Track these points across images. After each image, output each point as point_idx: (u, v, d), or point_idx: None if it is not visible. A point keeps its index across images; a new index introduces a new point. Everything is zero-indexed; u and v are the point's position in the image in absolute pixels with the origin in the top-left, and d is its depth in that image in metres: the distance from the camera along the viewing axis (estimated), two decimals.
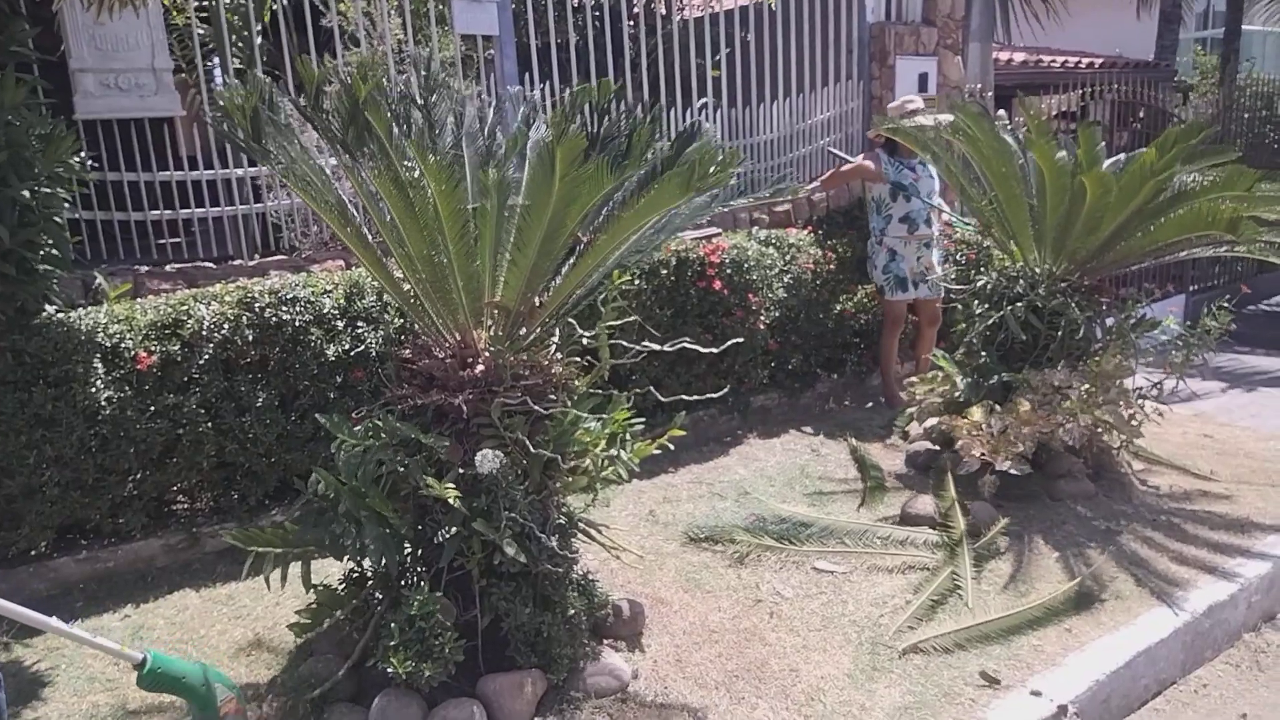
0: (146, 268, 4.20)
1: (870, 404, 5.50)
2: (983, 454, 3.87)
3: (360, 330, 3.77)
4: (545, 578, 2.68)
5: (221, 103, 2.37)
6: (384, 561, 2.56)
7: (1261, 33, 12.30)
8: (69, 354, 3.28)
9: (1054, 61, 9.64)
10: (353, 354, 3.73)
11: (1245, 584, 3.39)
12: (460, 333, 2.69)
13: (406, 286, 2.71)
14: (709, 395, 3.78)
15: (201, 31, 4.70)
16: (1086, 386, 3.98)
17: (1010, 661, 2.89)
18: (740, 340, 4.26)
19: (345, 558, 2.68)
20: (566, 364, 2.79)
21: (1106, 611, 3.18)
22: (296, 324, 3.63)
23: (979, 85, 6.98)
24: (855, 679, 2.79)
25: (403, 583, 2.69)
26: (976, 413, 4.03)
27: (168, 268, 4.24)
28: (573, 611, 2.70)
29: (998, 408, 4.01)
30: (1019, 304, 4.12)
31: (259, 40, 4.65)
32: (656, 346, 3.03)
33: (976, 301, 4.38)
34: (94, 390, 3.29)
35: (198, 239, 4.58)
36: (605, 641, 2.90)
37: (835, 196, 5.95)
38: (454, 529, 2.51)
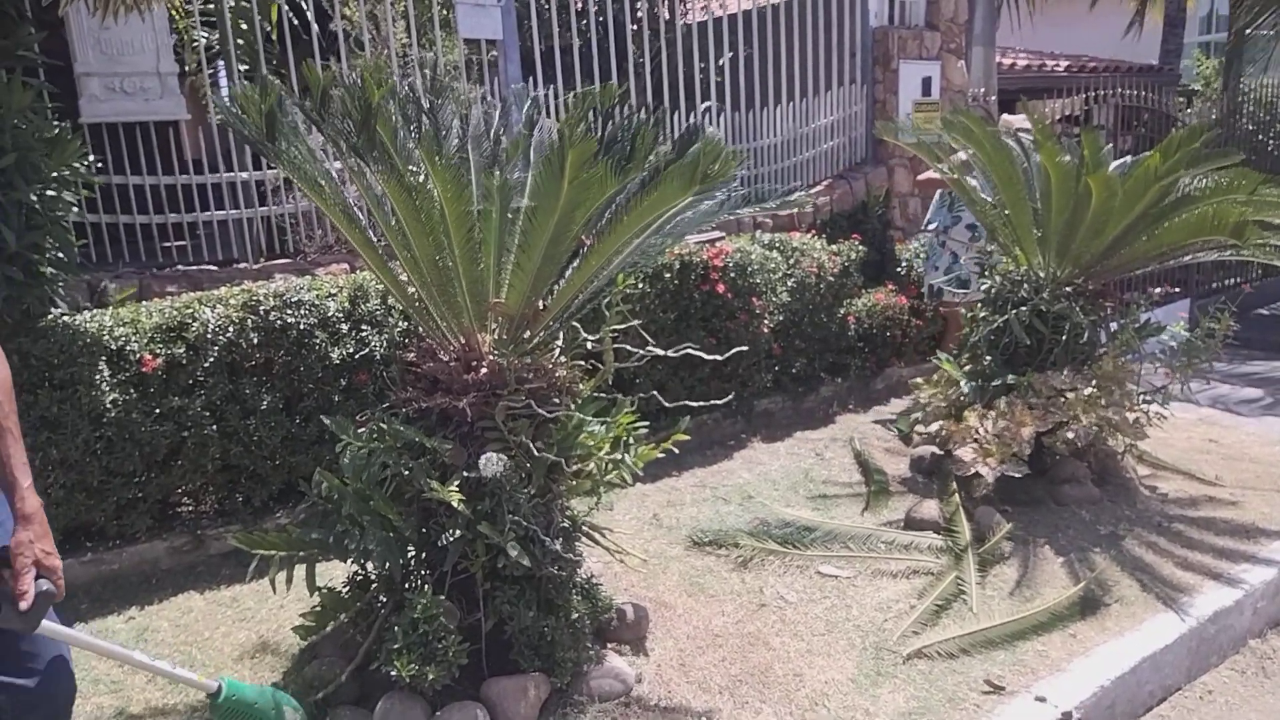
0: (152, 271, 4.21)
1: (874, 408, 5.50)
2: (975, 457, 3.87)
3: (365, 333, 3.77)
4: (549, 581, 2.68)
5: (236, 104, 2.38)
6: (387, 564, 2.56)
7: (1265, 36, 12.28)
8: (74, 357, 3.28)
9: (1057, 66, 9.64)
10: (357, 357, 3.73)
11: (1251, 590, 3.38)
12: (465, 336, 2.69)
13: (411, 290, 2.71)
14: (713, 402, 3.79)
15: (207, 36, 4.72)
16: (1090, 390, 3.97)
17: (1015, 667, 2.88)
18: (744, 348, 4.26)
19: (349, 560, 2.68)
20: (571, 367, 2.79)
21: (1111, 617, 3.17)
22: (301, 327, 3.63)
23: (982, 89, 6.98)
24: (859, 684, 2.78)
25: (406, 586, 2.69)
26: (971, 417, 4.03)
27: (173, 270, 4.25)
28: (576, 615, 2.70)
29: (991, 411, 4.00)
30: (1023, 308, 4.11)
31: (263, 44, 4.67)
32: (661, 351, 3.03)
33: (981, 305, 4.38)
34: (99, 393, 3.30)
35: (203, 242, 4.59)
36: (609, 645, 2.90)
37: (839, 200, 5.95)
38: (458, 532, 2.51)
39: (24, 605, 1.60)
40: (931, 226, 5.45)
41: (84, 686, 2.80)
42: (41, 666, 1.76)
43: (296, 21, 4.99)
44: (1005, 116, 5.44)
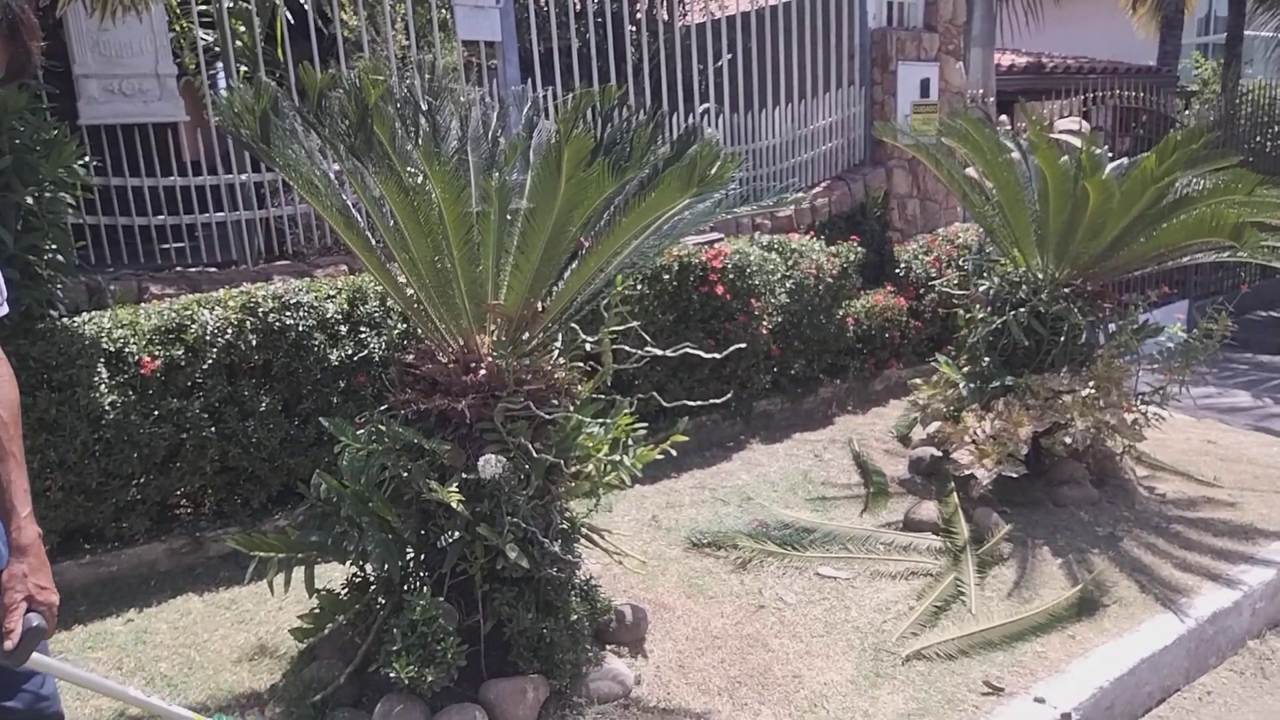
0: (150, 273, 4.20)
1: (873, 409, 5.50)
2: (972, 459, 3.87)
3: (363, 335, 3.77)
4: (548, 583, 2.68)
5: (230, 106, 2.37)
6: (386, 566, 2.56)
7: (1263, 38, 12.30)
8: (73, 358, 3.28)
9: (1055, 67, 9.65)
10: (356, 359, 3.73)
11: (1249, 591, 3.38)
12: (463, 337, 2.69)
13: (410, 291, 2.71)
14: (712, 400, 3.79)
15: (206, 38, 4.72)
16: (1088, 391, 3.97)
17: (1014, 668, 2.88)
18: (743, 345, 4.27)
19: (348, 562, 2.68)
20: (569, 369, 2.79)
21: (1110, 618, 3.17)
22: (300, 329, 3.63)
23: (981, 91, 6.99)
24: (858, 685, 2.78)
25: (405, 587, 2.68)
26: (969, 419, 4.04)
27: (171, 272, 4.24)
28: (575, 617, 2.70)
29: (989, 413, 4.01)
30: (1021, 309, 4.12)
31: (262, 45, 4.66)
32: (659, 351, 3.04)
33: (979, 306, 4.38)
34: (98, 395, 3.30)
35: (201, 244, 4.59)
36: (608, 647, 2.90)
37: (838, 201, 5.95)
38: (456, 534, 2.51)
39: (9, 645, 1.51)
40: None
41: (82, 690, 2.79)
42: (34, 689, 1.73)
43: (296, 23, 4.99)
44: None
